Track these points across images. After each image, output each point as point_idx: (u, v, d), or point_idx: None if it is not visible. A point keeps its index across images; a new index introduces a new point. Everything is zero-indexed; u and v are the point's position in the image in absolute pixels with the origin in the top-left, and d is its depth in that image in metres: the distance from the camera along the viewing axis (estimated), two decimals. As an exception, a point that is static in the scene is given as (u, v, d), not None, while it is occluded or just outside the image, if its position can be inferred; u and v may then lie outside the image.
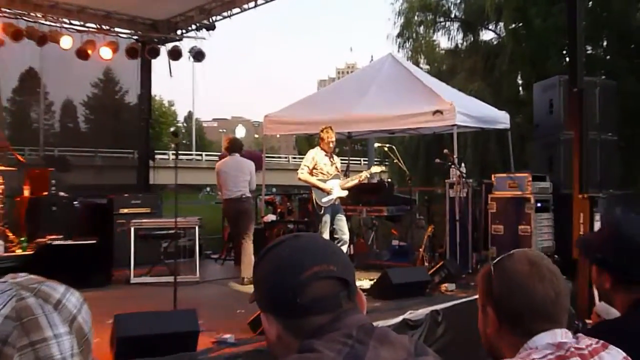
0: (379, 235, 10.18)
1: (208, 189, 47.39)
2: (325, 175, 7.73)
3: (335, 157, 7.93)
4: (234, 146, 8.52)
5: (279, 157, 61.63)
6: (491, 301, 1.53)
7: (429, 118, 8.68)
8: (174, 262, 6.56)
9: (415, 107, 8.90)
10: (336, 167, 7.84)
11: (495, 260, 1.58)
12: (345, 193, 7.84)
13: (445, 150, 8.39)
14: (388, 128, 10.10)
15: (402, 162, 8.44)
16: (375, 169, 8.42)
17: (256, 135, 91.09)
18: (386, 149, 8.74)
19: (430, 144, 15.65)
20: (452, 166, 8.37)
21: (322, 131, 7.72)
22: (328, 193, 7.63)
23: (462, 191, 8.37)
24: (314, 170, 7.72)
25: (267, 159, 11.95)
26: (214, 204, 12.93)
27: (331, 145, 7.71)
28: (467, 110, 9.00)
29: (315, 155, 7.77)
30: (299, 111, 10.28)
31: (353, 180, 7.91)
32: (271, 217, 10.83)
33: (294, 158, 56.75)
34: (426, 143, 16.12)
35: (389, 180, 13.18)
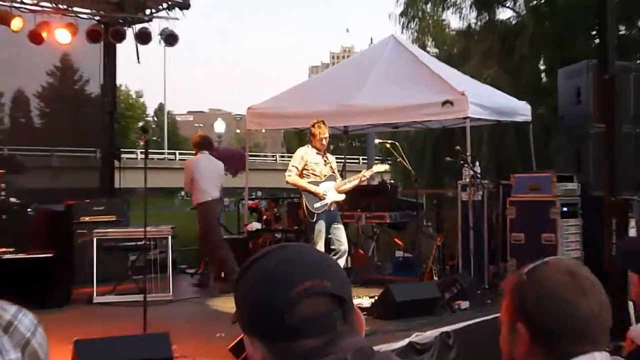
0: (380, 246, 10.20)
1: (183, 192, 47.21)
2: (318, 176, 7.74)
3: (329, 155, 7.95)
4: (206, 143, 8.96)
5: (265, 156, 61.60)
6: (524, 317, 1.52)
7: (437, 110, 8.72)
8: (144, 278, 6.56)
9: (422, 96, 8.92)
10: (330, 167, 7.86)
11: (527, 269, 1.57)
12: (341, 197, 7.86)
13: (457, 147, 8.42)
14: (390, 121, 10.13)
15: (406, 160, 8.48)
16: (377, 168, 8.46)
17: (238, 131, 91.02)
18: (388, 145, 8.79)
19: (439, 140, 15.70)
20: (465, 165, 8.40)
21: (313, 126, 7.74)
22: (321, 197, 7.65)
23: (476, 194, 8.40)
24: (304, 172, 7.73)
25: (250, 157, 11.94)
26: (189, 210, 12.93)
27: (324, 142, 7.73)
28: (481, 100, 9.04)
29: (305, 154, 7.78)
30: (287, 102, 10.29)
31: (350, 182, 7.93)
32: (255, 226, 10.84)
33: (282, 157, 56.73)
34: (434, 139, 16.17)
35: (392, 181, 13.24)
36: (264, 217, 11.39)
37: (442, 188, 14.73)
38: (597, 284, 1.52)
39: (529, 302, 1.51)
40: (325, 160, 7.82)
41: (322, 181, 7.75)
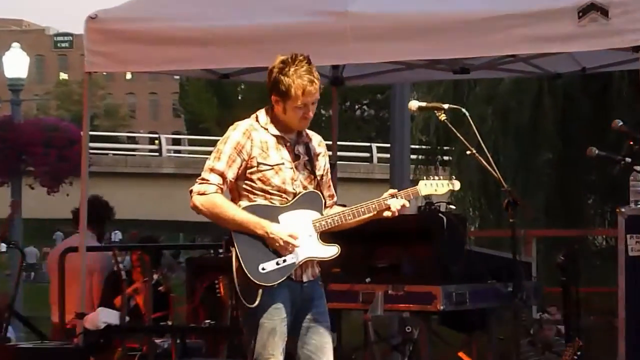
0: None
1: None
2: (276, 195, 7.81)
3: (314, 137, 8.03)
4: None
5: (133, 141, 61.84)
6: None
7: (567, 28, 8.96)
8: None
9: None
10: (309, 172, 7.95)
11: None
12: (333, 251, 7.93)
13: (618, 122, 8.55)
14: (449, 56, 10.25)
15: (489, 155, 8.51)
16: (427, 188, 8.27)
17: (64, 76, 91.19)
18: (443, 117, 8.75)
19: (571, 104, 15.87)
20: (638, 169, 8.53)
21: (281, 71, 7.64)
22: (278, 249, 7.72)
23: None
24: (247, 184, 7.78)
25: (94, 147, 11.97)
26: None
27: (307, 115, 7.73)
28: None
29: (248, 139, 7.76)
30: (186, 4, 10.50)
31: (356, 213, 8.00)
32: (106, 317, 10.93)
33: (175, 143, 57.00)
34: (560, 100, 16.32)
35: (452, 206, 13.25)
36: (129, 293, 11.49)
37: (579, 225, 14.89)
38: None
39: None
40: (295, 155, 7.88)
41: (288, 206, 7.83)
